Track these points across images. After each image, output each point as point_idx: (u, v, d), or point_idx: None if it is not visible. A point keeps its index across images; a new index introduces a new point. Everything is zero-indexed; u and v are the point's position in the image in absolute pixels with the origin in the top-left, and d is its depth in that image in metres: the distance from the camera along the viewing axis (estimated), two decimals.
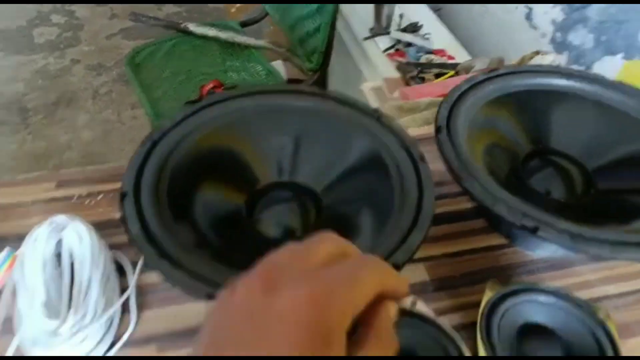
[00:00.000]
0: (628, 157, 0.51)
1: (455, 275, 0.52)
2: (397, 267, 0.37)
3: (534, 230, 0.40)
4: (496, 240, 0.55)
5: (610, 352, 0.41)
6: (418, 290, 0.50)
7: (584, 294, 0.50)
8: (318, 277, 0.22)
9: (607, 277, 0.52)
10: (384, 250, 0.38)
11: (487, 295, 0.44)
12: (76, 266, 0.46)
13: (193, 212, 0.45)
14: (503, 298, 0.44)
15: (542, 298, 0.44)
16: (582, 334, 0.42)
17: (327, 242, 0.25)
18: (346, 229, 0.43)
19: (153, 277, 0.51)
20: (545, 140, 0.54)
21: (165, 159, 0.45)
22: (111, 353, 0.45)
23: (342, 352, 0.21)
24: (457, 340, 0.40)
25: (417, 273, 0.52)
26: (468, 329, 0.46)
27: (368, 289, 0.23)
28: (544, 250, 0.52)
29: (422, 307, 0.43)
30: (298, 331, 0.20)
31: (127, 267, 0.50)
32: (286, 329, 0.20)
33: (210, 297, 0.35)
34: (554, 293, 0.44)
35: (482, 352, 0.41)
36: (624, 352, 0.45)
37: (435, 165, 0.47)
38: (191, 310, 0.48)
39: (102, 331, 0.44)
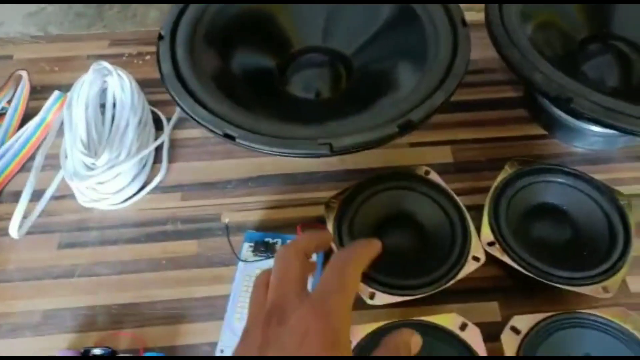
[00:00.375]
0: None
1: (481, 159, 0.51)
2: (412, 124, 0.37)
3: (567, 101, 0.38)
4: (534, 130, 0.53)
5: (621, 239, 0.39)
6: (438, 169, 0.50)
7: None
8: (312, 300, 0.25)
9: None
10: (404, 108, 0.38)
11: (505, 172, 0.43)
12: (117, 109, 0.49)
13: (226, 63, 0.45)
14: (520, 176, 0.42)
15: (560, 178, 0.42)
16: (596, 218, 0.41)
17: (289, 266, 0.27)
18: (375, 87, 0.43)
19: (186, 132, 0.54)
20: (607, 25, 0.49)
21: (204, 9, 0.45)
22: (142, 193, 0.49)
23: (349, 349, 0.25)
24: (464, 210, 0.41)
25: (441, 154, 0.51)
26: (482, 209, 0.45)
27: (353, 282, 0.27)
28: (581, 143, 0.50)
29: (435, 177, 0.43)
30: (309, 341, 0.23)
31: (164, 121, 0.53)
32: (298, 340, 0.24)
33: (227, 136, 0.37)
34: (575, 175, 0.42)
35: (485, 228, 0.40)
36: (635, 249, 0.44)
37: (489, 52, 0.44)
38: (216, 166, 0.51)
39: (134, 171, 0.48)
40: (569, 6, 0.49)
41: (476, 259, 0.38)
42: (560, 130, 0.50)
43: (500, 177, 0.43)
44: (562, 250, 0.41)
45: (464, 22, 0.42)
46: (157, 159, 0.51)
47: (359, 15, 0.47)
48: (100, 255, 0.46)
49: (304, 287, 0.27)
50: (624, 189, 0.48)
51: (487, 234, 0.40)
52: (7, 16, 2.01)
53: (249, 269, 0.43)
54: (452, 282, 0.37)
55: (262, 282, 0.29)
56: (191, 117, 0.38)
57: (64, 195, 0.49)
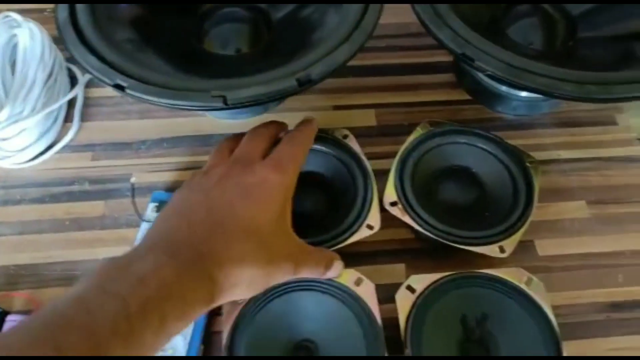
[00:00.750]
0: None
1: (404, 123, 0.50)
2: (311, 80, 0.36)
3: (472, 59, 0.37)
4: (460, 95, 0.52)
5: (523, 201, 0.40)
6: (359, 133, 0.49)
7: (534, 155, 0.47)
8: (272, 159, 0.33)
9: (564, 142, 0.49)
10: (306, 62, 0.36)
11: (416, 133, 0.42)
12: (25, 62, 0.46)
13: (132, 18, 0.43)
14: (430, 137, 0.42)
15: (470, 141, 0.42)
16: (503, 180, 0.41)
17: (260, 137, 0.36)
18: (293, 42, 0.42)
19: (103, 91, 0.52)
20: None
21: None
22: (49, 153, 0.47)
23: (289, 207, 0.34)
24: (370, 177, 0.40)
25: (364, 118, 0.50)
26: None
27: (302, 155, 0.35)
28: (504, 108, 0.49)
29: (352, 141, 0.43)
30: (268, 186, 0.31)
31: (79, 78, 0.50)
32: (257, 182, 0.31)
33: (117, 86, 0.35)
34: (486, 137, 0.42)
35: (389, 188, 0.40)
36: (545, 213, 0.44)
37: None
38: (132, 126, 0.49)
39: (41, 128, 0.46)
40: None
41: (370, 227, 0.38)
42: (484, 95, 0.50)
43: (411, 138, 0.42)
44: (466, 211, 0.41)
45: None
46: (69, 117, 0.49)
47: None
48: (2, 215, 0.44)
49: (264, 157, 0.34)
50: (543, 154, 0.48)
51: (390, 193, 0.39)
52: None
53: None
54: (341, 245, 0.37)
55: (227, 145, 0.36)
56: (82, 65, 0.36)
57: None
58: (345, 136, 0.43)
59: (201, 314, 0.27)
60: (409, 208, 0.38)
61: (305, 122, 0.38)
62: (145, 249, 0.28)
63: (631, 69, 0.38)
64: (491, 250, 0.37)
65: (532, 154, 0.47)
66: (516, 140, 0.48)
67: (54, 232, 0.43)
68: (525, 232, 0.39)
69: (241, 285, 0.28)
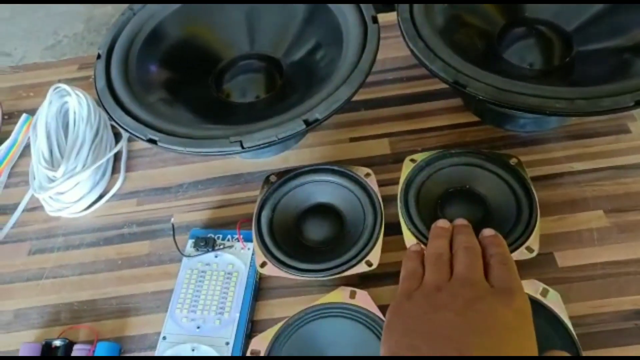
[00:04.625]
0: (601, 11, 0.47)
1: (417, 149, 0.53)
2: (317, 120, 0.40)
3: (464, 86, 0.39)
4: (468, 118, 0.54)
5: (524, 199, 0.41)
6: (377, 162, 0.52)
7: (547, 169, 0.49)
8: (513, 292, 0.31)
9: (577, 154, 0.49)
10: (312, 104, 0.41)
11: (405, 171, 0.44)
12: (75, 125, 0.54)
13: (162, 81, 0.50)
14: (418, 171, 0.44)
15: (453, 160, 0.44)
16: (497, 186, 0.43)
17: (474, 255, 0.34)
18: (303, 84, 0.46)
19: (143, 143, 0.58)
20: (521, 10, 0.51)
21: (138, 30, 0.49)
22: (100, 202, 0.53)
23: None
24: (380, 214, 0.43)
25: (379, 147, 0.54)
26: None
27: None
28: (513, 126, 0.51)
29: (372, 181, 0.45)
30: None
31: (123, 134, 0.57)
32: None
33: (151, 141, 0.41)
34: (466, 153, 0.44)
35: (406, 232, 0.42)
36: (563, 224, 0.45)
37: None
38: (169, 172, 0.55)
39: (93, 181, 0.53)
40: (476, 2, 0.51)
41: (369, 263, 0.40)
42: (491, 115, 0.52)
43: (402, 177, 0.44)
44: (478, 224, 0.43)
45: (374, 20, 0.45)
46: (116, 169, 0.56)
47: (277, 18, 0.51)
48: (65, 259, 0.50)
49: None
50: (557, 168, 0.49)
51: (408, 236, 0.41)
52: (27, 50, 2.13)
53: (191, 263, 0.46)
54: (338, 275, 0.40)
55: (444, 260, 0.34)
56: (120, 125, 0.42)
57: (35, 207, 0.54)
58: (368, 174, 0.45)
59: None
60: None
61: (492, 240, 0.36)
62: None
63: (627, 79, 0.40)
64: (520, 253, 0.39)
65: (545, 168, 0.49)
66: (528, 156, 0.50)
67: (109, 271, 0.49)
68: (543, 234, 0.40)
69: None
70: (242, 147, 0.39)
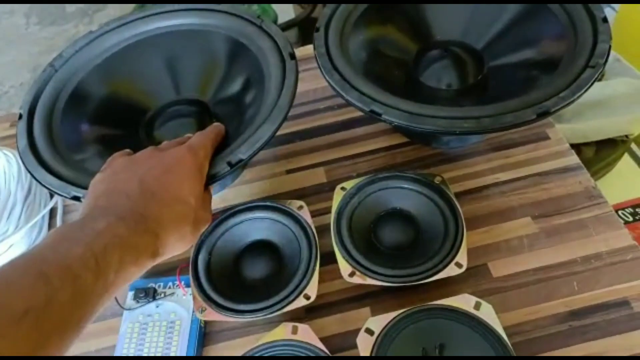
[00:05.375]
0: (507, 26, 0.50)
1: (352, 174, 0.54)
2: (241, 160, 0.40)
3: (379, 114, 0.41)
4: (399, 139, 0.56)
5: (450, 217, 0.43)
6: (313, 192, 0.53)
7: (474, 183, 0.51)
8: (186, 145, 0.39)
9: (500, 165, 0.52)
10: (235, 146, 0.41)
11: (335, 201, 0.46)
12: (6, 185, 0.53)
13: (93, 138, 0.49)
14: (348, 199, 0.46)
15: (379, 186, 0.46)
16: (424, 206, 0.45)
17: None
18: (235, 126, 0.47)
19: None
20: (430, 35, 0.53)
21: (60, 89, 0.49)
22: None
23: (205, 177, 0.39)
24: (315, 247, 0.43)
25: (315, 176, 0.55)
26: None
27: (213, 141, 0.42)
28: (438, 144, 0.53)
29: (305, 214, 0.46)
30: (183, 162, 0.37)
31: None
32: (175, 160, 0.37)
33: (75, 198, 0.40)
34: (395, 176, 0.46)
35: (340, 261, 0.42)
36: (493, 235, 0.47)
37: None
38: None
39: (28, 240, 0.51)
40: (388, 34, 0.53)
41: (307, 297, 0.41)
42: (418, 135, 0.54)
43: (334, 208, 0.45)
44: (409, 244, 0.44)
45: (292, 56, 0.46)
46: (52, 225, 0.55)
47: (198, 62, 0.52)
48: None
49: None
50: (482, 180, 0.51)
51: (344, 265, 0.42)
52: None
53: (132, 316, 0.45)
54: (277, 313, 0.41)
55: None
56: (43, 185, 0.41)
57: None
58: (301, 207, 0.46)
59: (152, 264, 0.33)
60: (366, 271, 0.41)
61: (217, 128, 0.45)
62: (93, 216, 0.32)
63: (530, 93, 0.42)
64: (450, 269, 0.40)
65: (471, 182, 0.51)
66: (455, 172, 0.52)
67: None
68: (475, 247, 0.42)
69: (178, 240, 0.34)
70: None
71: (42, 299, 0.25)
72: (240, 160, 0.40)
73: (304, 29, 1.40)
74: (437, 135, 0.51)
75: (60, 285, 0.26)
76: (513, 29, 0.50)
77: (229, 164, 0.40)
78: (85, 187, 0.40)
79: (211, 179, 0.40)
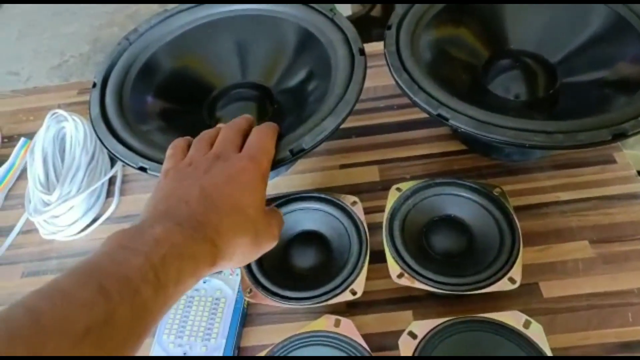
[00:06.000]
0: (586, 43, 0.48)
1: (405, 177, 0.53)
2: (303, 150, 0.41)
3: (446, 119, 0.40)
4: (456, 146, 0.55)
5: (507, 229, 0.42)
6: (366, 189, 0.53)
7: (532, 199, 0.50)
8: (247, 153, 0.37)
9: (562, 184, 0.50)
10: (298, 135, 0.42)
11: (390, 200, 0.45)
12: (71, 150, 0.55)
13: (157, 112, 0.51)
14: (404, 200, 0.45)
15: (435, 191, 0.45)
16: (479, 215, 0.44)
17: (233, 132, 0.39)
18: (293, 114, 0.48)
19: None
20: (505, 43, 0.52)
21: (133, 60, 0.51)
22: (94, 226, 0.54)
23: (265, 192, 0.36)
24: (366, 243, 0.43)
25: (368, 174, 0.55)
26: None
27: (272, 143, 0.39)
28: (498, 155, 0.52)
29: (358, 210, 0.46)
30: (246, 173, 0.35)
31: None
32: (237, 170, 0.35)
33: (142, 169, 0.42)
34: (454, 183, 0.45)
35: (390, 261, 0.42)
36: (548, 255, 0.46)
37: None
38: None
39: (87, 204, 0.54)
40: (459, 36, 0.52)
41: (353, 292, 0.41)
42: (478, 144, 0.53)
43: (388, 206, 0.45)
44: (461, 253, 0.43)
45: (361, 52, 0.46)
46: (110, 193, 0.57)
47: (268, 50, 0.53)
48: None
49: (239, 149, 0.38)
50: (542, 197, 0.50)
51: (393, 266, 0.42)
52: (34, 70, 2.17)
53: None
54: (321, 304, 0.41)
55: (206, 139, 0.39)
56: (112, 153, 0.43)
57: (30, 230, 0.55)
58: (354, 202, 0.46)
59: (209, 273, 0.31)
60: (415, 274, 0.41)
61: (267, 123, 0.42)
62: (151, 222, 0.30)
63: (607, 113, 0.40)
64: (503, 284, 0.39)
65: (530, 197, 0.50)
66: (514, 185, 0.51)
67: None
68: (528, 264, 0.41)
69: (237, 253, 0.33)
70: None
71: (102, 316, 0.24)
72: (302, 150, 0.41)
73: (360, 27, 1.40)
74: (502, 146, 0.49)
75: (120, 300, 0.25)
76: (593, 46, 0.49)
77: (291, 152, 0.41)
78: (150, 159, 0.42)
79: (273, 168, 0.40)
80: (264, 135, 0.39)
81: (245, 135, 0.39)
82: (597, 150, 0.52)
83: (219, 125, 0.41)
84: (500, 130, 0.39)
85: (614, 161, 0.51)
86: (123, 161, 0.42)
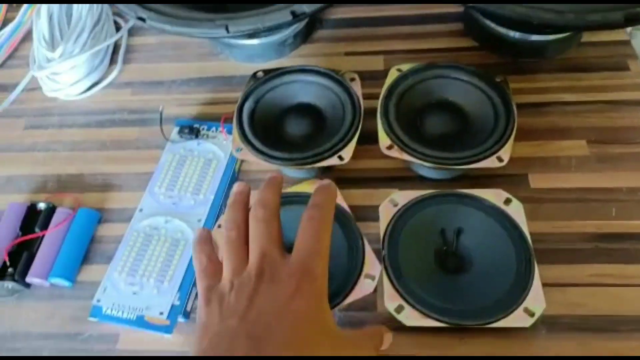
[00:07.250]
0: None
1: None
2: (304, 13, 0.40)
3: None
4: (467, 43, 0.54)
5: (503, 113, 0.41)
6: (367, 76, 0.52)
7: (536, 97, 0.49)
8: (299, 263, 0.28)
9: (569, 86, 0.49)
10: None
11: (390, 78, 0.45)
12: (78, 10, 0.55)
13: None
14: (403, 78, 0.44)
15: (438, 73, 0.44)
16: (479, 101, 0.43)
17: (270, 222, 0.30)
18: None
19: (143, 39, 0.59)
20: None
21: None
22: (96, 89, 0.55)
23: (329, 309, 0.29)
24: (359, 114, 0.43)
25: (373, 63, 0.54)
26: None
27: (327, 244, 0.29)
28: (509, 50, 0.51)
29: (356, 85, 0.45)
30: (299, 298, 0.27)
31: (123, 26, 0.58)
32: (288, 295, 0.27)
33: (140, 19, 0.41)
34: (451, 66, 0.44)
35: (381, 133, 0.42)
36: (543, 150, 0.45)
37: None
38: (165, 68, 0.56)
39: (90, 66, 0.54)
40: None
41: (340, 157, 0.41)
42: (490, 41, 0.51)
43: (386, 84, 0.45)
44: (453, 138, 0.43)
45: None
46: (114, 60, 0.57)
47: None
48: (57, 136, 0.52)
49: (283, 245, 0.30)
50: (546, 97, 0.49)
51: (383, 138, 0.42)
52: None
53: (174, 148, 0.48)
54: (309, 166, 0.41)
55: (238, 240, 0.30)
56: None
57: (34, 88, 0.56)
58: (353, 79, 0.46)
59: None
60: (405, 147, 0.41)
61: (320, 191, 0.32)
62: None
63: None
64: (491, 161, 0.39)
65: (534, 96, 0.49)
66: (520, 83, 0.50)
67: (98, 150, 0.51)
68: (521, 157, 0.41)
69: None
70: (227, 31, 0.40)
71: None
72: (304, 13, 0.40)
73: None
74: (512, 23, 0.47)
75: None
76: None
77: (293, 13, 0.40)
78: (150, 10, 0.41)
79: (271, 26, 0.40)
80: (316, 228, 0.29)
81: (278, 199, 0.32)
82: (611, 57, 0.50)
83: (235, 188, 0.33)
84: (509, 6, 0.37)
85: (627, 68, 0.50)
86: (122, 10, 0.42)
